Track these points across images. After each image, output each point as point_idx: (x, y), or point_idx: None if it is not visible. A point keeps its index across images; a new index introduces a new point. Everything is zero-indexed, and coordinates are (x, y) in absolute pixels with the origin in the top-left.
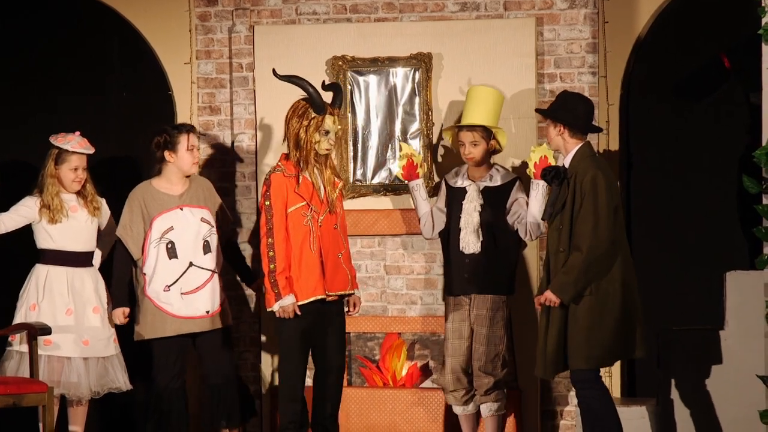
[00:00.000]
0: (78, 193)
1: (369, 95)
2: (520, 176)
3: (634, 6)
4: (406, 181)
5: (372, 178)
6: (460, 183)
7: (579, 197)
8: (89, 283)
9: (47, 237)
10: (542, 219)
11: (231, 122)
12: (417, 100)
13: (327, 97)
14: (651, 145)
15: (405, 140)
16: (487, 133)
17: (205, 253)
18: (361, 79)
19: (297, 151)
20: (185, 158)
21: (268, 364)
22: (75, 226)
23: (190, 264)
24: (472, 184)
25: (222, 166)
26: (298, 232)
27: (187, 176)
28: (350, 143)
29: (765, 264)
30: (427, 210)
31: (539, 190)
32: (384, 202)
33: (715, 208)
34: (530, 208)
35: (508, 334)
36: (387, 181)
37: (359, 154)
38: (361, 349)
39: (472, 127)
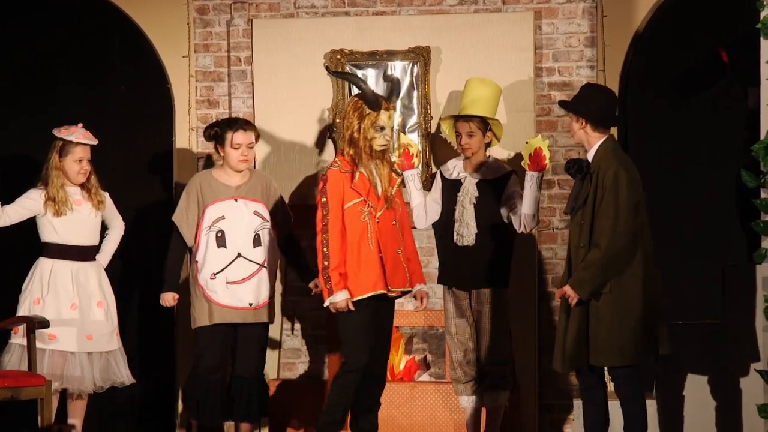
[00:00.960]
0: (82, 186)
1: None
2: (515, 169)
3: (633, 0)
4: (402, 171)
5: None
6: (455, 175)
7: (600, 193)
8: (93, 277)
9: (52, 230)
10: (565, 213)
11: (229, 116)
12: (415, 93)
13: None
14: (649, 140)
15: (404, 133)
16: (483, 124)
17: (254, 246)
18: (359, 72)
19: (352, 148)
20: (231, 155)
21: (266, 360)
22: (79, 219)
23: (238, 255)
24: (467, 177)
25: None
26: (355, 228)
27: (239, 172)
28: None
29: (763, 258)
30: (420, 200)
31: (533, 182)
32: None
33: (713, 203)
34: (524, 201)
35: (508, 327)
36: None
37: None
38: None
39: (468, 118)
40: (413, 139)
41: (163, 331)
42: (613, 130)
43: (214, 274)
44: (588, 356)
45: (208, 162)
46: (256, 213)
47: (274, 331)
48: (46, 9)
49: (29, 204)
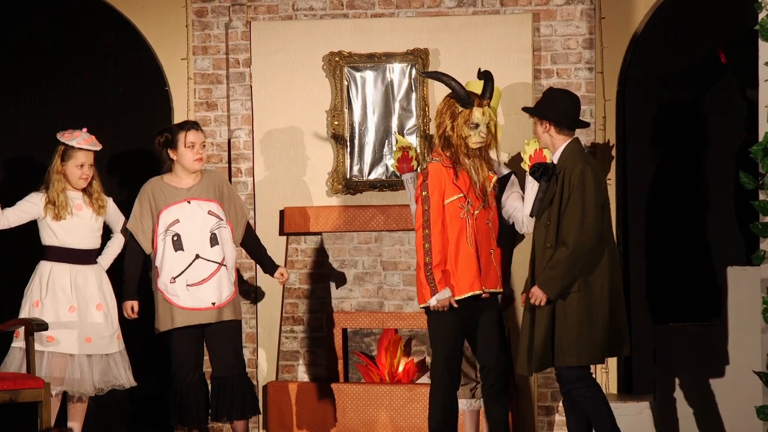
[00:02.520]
0: (84, 191)
1: (366, 91)
2: (514, 170)
3: (631, 2)
4: (400, 174)
5: (369, 173)
6: None
7: (567, 192)
8: (93, 280)
9: (51, 234)
10: (530, 216)
11: (228, 118)
12: (414, 95)
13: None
14: (647, 141)
15: (402, 136)
16: None
17: (212, 246)
18: (357, 74)
19: (447, 148)
20: (185, 155)
21: (264, 359)
22: (79, 223)
23: (197, 256)
24: None
25: (219, 162)
26: (454, 224)
27: (194, 172)
28: (347, 139)
29: (761, 259)
30: None
31: (534, 182)
32: (381, 198)
33: (711, 204)
34: (525, 201)
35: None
36: (384, 177)
37: (356, 150)
38: (357, 344)
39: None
40: (411, 142)
41: (159, 334)
42: (598, 132)
43: (174, 278)
44: (553, 357)
45: (204, 165)
46: (210, 213)
47: (272, 334)
48: (44, 12)
49: (29, 207)
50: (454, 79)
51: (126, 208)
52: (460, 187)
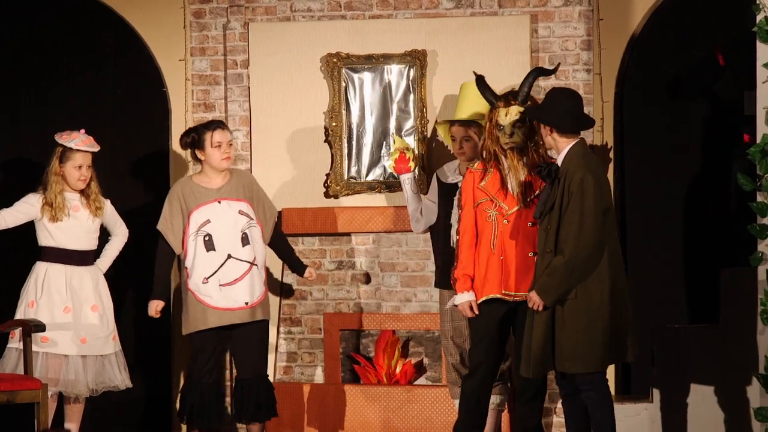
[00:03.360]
0: (82, 192)
1: (364, 92)
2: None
3: (629, 3)
4: (398, 175)
5: (366, 175)
6: (451, 179)
7: (567, 198)
8: (88, 281)
9: (48, 235)
10: (534, 217)
11: (226, 119)
12: (412, 97)
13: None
14: (645, 142)
15: (400, 136)
16: (479, 129)
17: (243, 245)
18: (355, 76)
19: (484, 149)
20: (213, 155)
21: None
22: (75, 225)
23: (229, 256)
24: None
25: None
26: (482, 228)
27: (222, 171)
28: (345, 140)
29: (759, 261)
30: (417, 205)
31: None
32: (378, 200)
33: (709, 205)
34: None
35: None
36: (381, 179)
37: (354, 151)
38: (355, 346)
39: (464, 123)
40: (408, 142)
41: (159, 335)
42: (596, 134)
43: (206, 278)
44: (554, 362)
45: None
46: (241, 212)
47: (270, 335)
48: (42, 12)
49: (26, 208)
50: (487, 87)
51: (125, 209)
52: (487, 190)
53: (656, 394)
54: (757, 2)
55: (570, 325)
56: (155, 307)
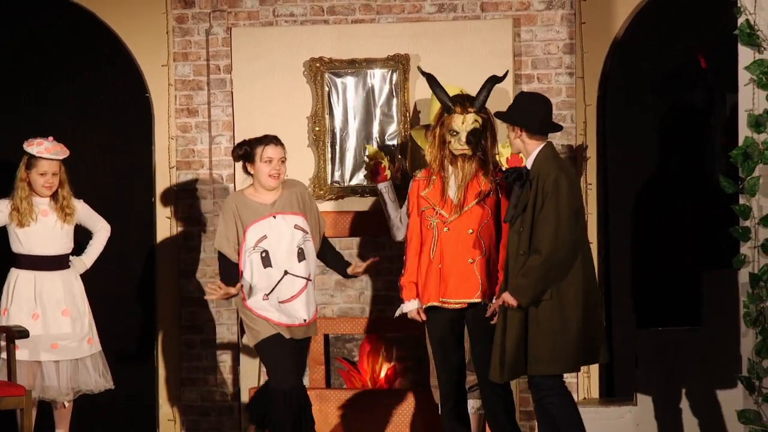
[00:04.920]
0: (52, 197)
1: (347, 97)
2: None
3: (611, 6)
4: (374, 184)
5: (350, 179)
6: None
7: (540, 198)
8: (59, 285)
9: (17, 241)
10: (503, 221)
11: (209, 124)
12: (395, 101)
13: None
14: (628, 145)
15: (382, 142)
16: None
17: (299, 261)
18: (338, 80)
19: (431, 153)
20: (262, 170)
21: (247, 365)
22: (42, 230)
23: (285, 272)
24: None
25: (200, 168)
26: (424, 236)
27: (270, 189)
28: (328, 145)
29: (741, 263)
30: (396, 213)
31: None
32: (362, 204)
33: (692, 208)
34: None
35: None
36: (365, 183)
37: (337, 155)
38: (339, 350)
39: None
40: (389, 149)
41: (143, 338)
42: (579, 137)
43: (266, 295)
44: (526, 365)
45: (183, 171)
46: (296, 227)
47: None
48: (23, 17)
49: None
50: (439, 86)
51: (108, 214)
52: (429, 198)
53: (640, 396)
54: (739, 5)
55: (545, 325)
56: (228, 288)
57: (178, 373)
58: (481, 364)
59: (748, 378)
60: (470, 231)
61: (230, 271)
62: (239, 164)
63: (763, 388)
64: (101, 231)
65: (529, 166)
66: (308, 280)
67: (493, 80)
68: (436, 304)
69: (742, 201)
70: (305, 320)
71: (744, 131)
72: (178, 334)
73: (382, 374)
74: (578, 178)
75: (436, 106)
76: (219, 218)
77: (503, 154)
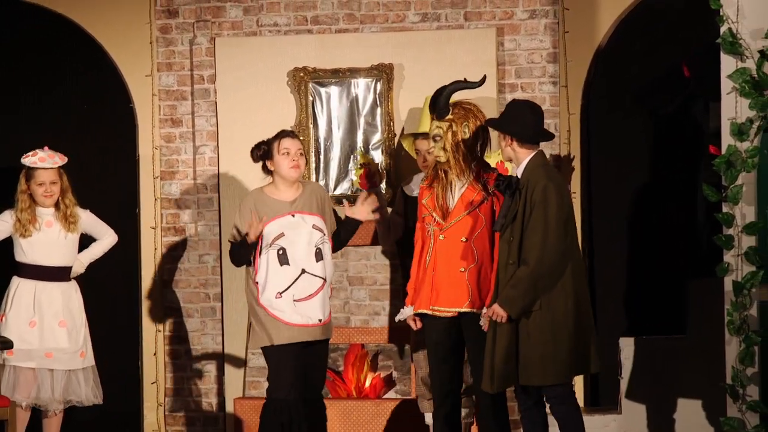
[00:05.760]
0: (56, 207)
1: (331, 106)
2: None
3: (594, 16)
4: (363, 190)
5: (334, 189)
6: (416, 192)
7: (529, 208)
8: (58, 297)
9: (20, 250)
10: (494, 230)
11: (193, 134)
12: (379, 110)
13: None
14: (612, 154)
15: (367, 151)
16: None
17: (317, 261)
18: (322, 90)
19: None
20: (281, 162)
21: (231, 375)
22: (45, 240)
23: (303, 271)
24: None
25: (184, 179)
26: (424, 243)
27: (294, 182)
28: (312, 154)
29: (725, 272)
30: (383, 219)
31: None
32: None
33: (676, 216)
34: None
35: None
36: (349, 192)
37: (321, 165)
38: None
39: (428, 136)
40: (375, 157)
41: (128, 348)
42: (563, 146)
43: (280, 293)
44: (518, 375)
45: (167, 181)
46: (315, 227)
47: (239, 350)
48: (8, 27)
49: (1, 225)
50: (437, 92)
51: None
52: (428, 205)
53: (625, 405)
54: (721, 14)
55: (535, 336)
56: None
57: (163, 383)
58: (475, 371)
59: (732, 386)
60: (463, 239)
61: (243, 252)
62: (259, 165)
63: (747, 395)
64: (107, 237)
65: (519, 175)
66: (325, 280)
67: (456, 84)
68: (427, 312)
69: (725, 209)
70: (320, 320)
71: (727, 139)
72: (162, 345)
73: (367, 384)
74: (567, 187)
75: (428, 116)
76: (236, 216)
77: (491, 162)
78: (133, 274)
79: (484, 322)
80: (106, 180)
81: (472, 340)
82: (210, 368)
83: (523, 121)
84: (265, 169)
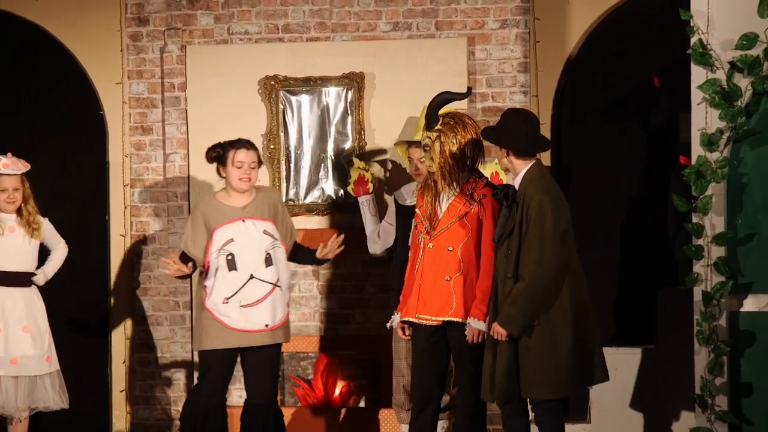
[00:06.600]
0: (18, 212)
1: (301, 115)
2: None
3: (565, 26)
4: (356, 196)
5: (305, 197)
6: (409, 201)
7: (526, 223)
8: (21, 302)
9: None
10: (492, 241)
11: (163, 142)
12: (349, 119)
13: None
14: (582, 163)
15: (337, 160)
16: None
17: (266, 266)
18: (293, 98)
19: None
20: (232, 174)
21: None
22: (9, 245)
23: (251, 276)
24: None
25: (154, 186)
26: (415, 250)
27: (242, 192)
28: (283, 163)
29: (695, 282)
30: (374, 227)
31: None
32: (316, 222)
33: (646, 226)
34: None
35: None
36: (320, 201)
37: (292, 173)
38: (294, 368)
39: (421, 144)
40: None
41: (97, 355)
42: (546, 154)
43: (227, 299)
44: (519, 388)
45: (137, 188)
46: (265, 232)
47: None
48: None
49: None
50: (431, 102)
51: (63, 231)
52: (420, 213)
53: (594, 414)
54: (692, 25)
55: (534, 350)
56: (181, 265)
57: (132, 391)
58: (459, 380)
59: (701, 396)
60: (450, 248)
61: (189, 259)
62: (213, 166)
63: (716, 405)
64: (61, 249)
65: (516, 186)
66: (275, 285)
67: (445, 95)
68: (412, 320)
69: (695, 219)
70: (267, 325)
71: (697, 150)
72: (131, 353)
73: (337, 392)
74: (563, 198)
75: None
76: (187, 221)
77: (486, 172)
78: (102, 281)
79: (468, 334)
80: (75, 187)
81: (457, 349)
82: (179, 376)
83: (517, 132)
84: (218, 171)
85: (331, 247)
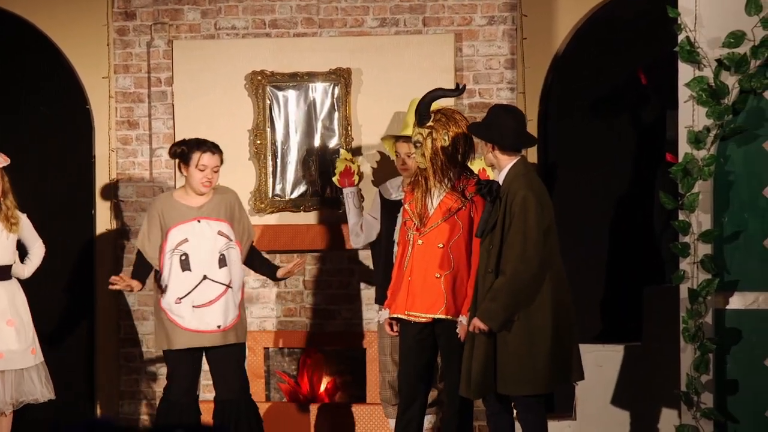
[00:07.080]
0: None
1: (288, 110)
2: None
3: (552, 22)
4: (341, 188)
5: (291, 192)
6: (395, 195)
7: (509, 219)
8: (3, 295)
9: None
10: (475, 236)
11: (149, 137)
12: (336, 115)
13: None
14: (569, 161)
15: (324, 156)
16: None
17: (220, 267)
18: (280, 94)
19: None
20: (194, 176)
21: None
22: None
23: (204, 277)
24: None
25: (140, 181)
26: (404, 247)
27: (200, 194)
28: (269, 158)
29: (681, 279)
30: (357, 220)
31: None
32: (303, 218)
33: (633, 224)
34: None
35: None
36: (306, 196)
37: (278, 169)
38: (279, 364)
39: (408, 139)
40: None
41: (82, 350)
42: (532, 151)
43: (180, 299)
44: (495, 384)
45: (123, 183)
46: (220, 233)
47: None
48: None
49: None
50: (423, 98)
51: (49, 226)
52: (409, 210)
53: (579, 411)
54: (679, 22)
55: (513, 346)
56: (126, 280)
57: (117, 386)
58: (447, 378)
59: (686, 393)
60: (440, 245)
61: (143, 270)
62: (175, 162)
63: (702, 403)
64: (39, 249)
65: (501, 181)
66: (228, 287)
67: (437, 91)
68: (402, 316)
69: (681, 217)
70: (219, 326)
71: (684, 147)
72: (117, 347)
73: (322, 388)
74: (547, 195)
75: (411, 119)
76: (144, 219)
77: (474, 168)
78: (87, 276)
79: (460, 332)
80: (61, 181)
81: (445, 346)
82: (164, 371)
83: (503, 127)
84: (178, 168)
85: (291, 270)
